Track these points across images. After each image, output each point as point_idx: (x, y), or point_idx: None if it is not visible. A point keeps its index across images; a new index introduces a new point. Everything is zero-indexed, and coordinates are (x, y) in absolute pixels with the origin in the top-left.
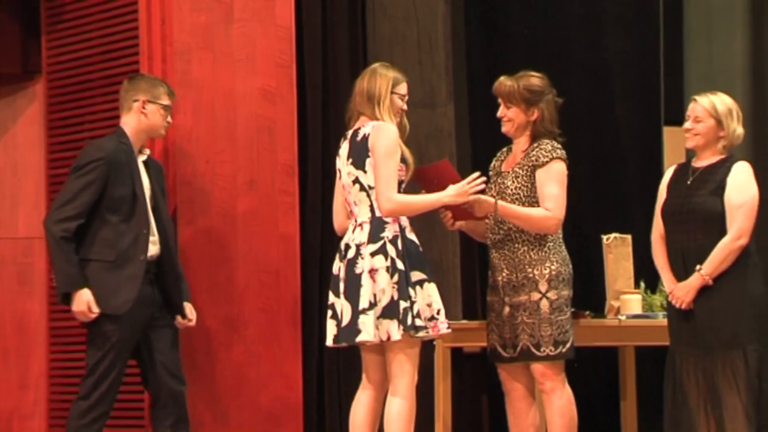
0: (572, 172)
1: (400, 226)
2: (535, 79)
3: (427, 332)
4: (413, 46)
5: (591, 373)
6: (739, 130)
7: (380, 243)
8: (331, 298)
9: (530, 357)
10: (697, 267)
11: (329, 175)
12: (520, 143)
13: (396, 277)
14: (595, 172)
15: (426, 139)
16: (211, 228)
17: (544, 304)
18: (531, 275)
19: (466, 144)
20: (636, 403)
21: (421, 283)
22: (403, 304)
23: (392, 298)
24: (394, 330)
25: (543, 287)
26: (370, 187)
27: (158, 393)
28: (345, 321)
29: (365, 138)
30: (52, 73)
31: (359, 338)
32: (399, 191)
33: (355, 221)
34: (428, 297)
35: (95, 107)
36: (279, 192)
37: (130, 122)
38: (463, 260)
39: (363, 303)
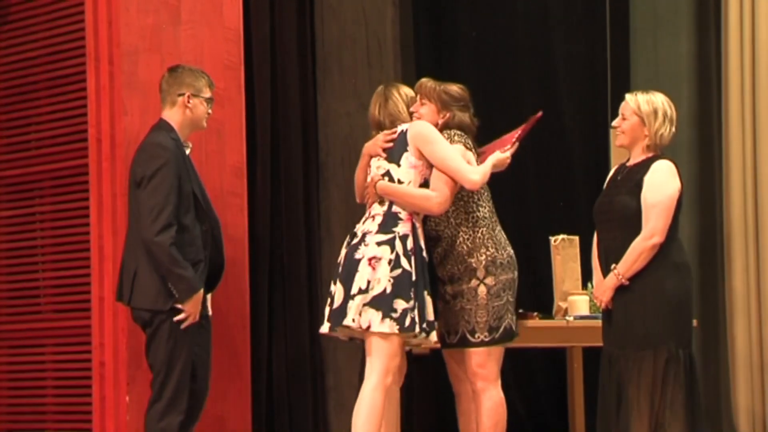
0: (519, 174)
1: (413, 225)
2: (456, 87)
3: (427, 338)
4: (362, 49)
5: (539, 373)
6: (663, 130)
7: (390, 236)
8: (332, 286)
9: (465, 343)
10: (612, 266)
11: (278, 176)
12: None
13: (396, 272)
14: (541, 173)
15: None
16: None
17: (482, 290)
18: (469, 264)
19: None
20: (584, 403)
21: (425, 287)
22: (402, 304)
23: (385, 290)
24: (376, 321)
25: (480, 274)
26: (400, 182)
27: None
28: (336, 304)
29: (403, 134)
30: None
31: (345, 322)
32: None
33: (369, 213)
34: (429, 305)
35: (41, 108)
36: (228, 194)
37: (174, 117)
38: None
39: (354, 289)
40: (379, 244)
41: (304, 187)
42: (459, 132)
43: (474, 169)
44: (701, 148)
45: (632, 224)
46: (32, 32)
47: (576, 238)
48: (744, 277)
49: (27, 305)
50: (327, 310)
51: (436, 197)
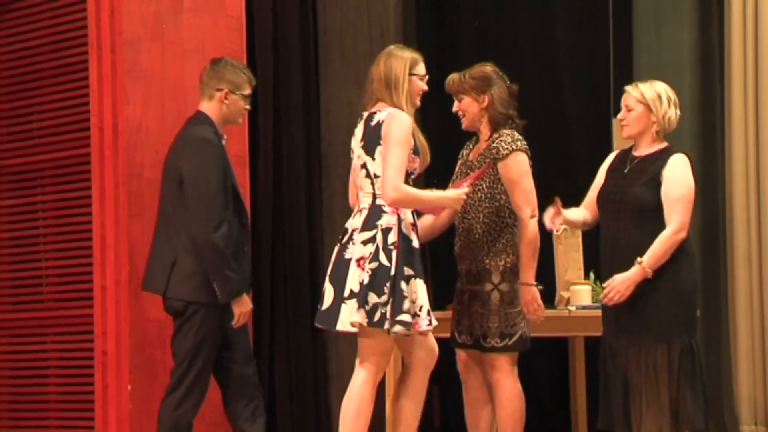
0: None
1: (398, 217)
2: (480, 67)
3: (408, 329)
4: (364, 37)
5: (541, 363)
6: (671, 113)
7: (373, 231)
8: (325, 282)
9: (479, 347)
10: (638, 259)
11: (280, 165)
12: (483, 133)
13: (373, 265)
14: (544, 163)
15: None
16: None
17: (495, 296)
18: (487, 266)
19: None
20: (586, 393)
21: (409, 278)
22: (374, 298)
23: (362, 282)
24: (353, 311)
25: (496, 279)
26: (376, 176)
27: (231, 381)
28: (326, 305)
29: (379, 124)
30: (1, 63)
31: (338, 327)
32: (408, 182)
33: (358, 206)
34: (413, 293)
35: (43, 98)
36: None
37: (211, 110)
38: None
39: (346, 291)
40: (364, 242)
41: (306, 176)
42: (518, 137)
43: (401, 187)
44: (704, 137)
45: (647, 217)
46: (34, 21)
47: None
48: (746, 267)
49: (29, 294)
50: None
51: (531, 217)
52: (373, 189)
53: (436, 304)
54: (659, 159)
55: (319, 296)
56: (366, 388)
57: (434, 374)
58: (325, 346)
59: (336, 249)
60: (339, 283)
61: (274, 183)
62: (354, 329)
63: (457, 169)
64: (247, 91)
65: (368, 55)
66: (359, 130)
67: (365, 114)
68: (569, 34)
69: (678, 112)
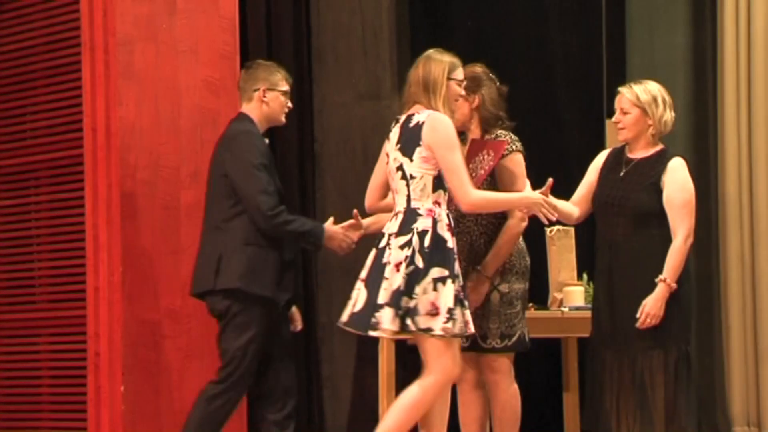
0: None
1: (433, 220)
2: (470, 68)
3: (441, 333)
4: (358, 38)
5: (534, 364)
6: (667, 116)
7: (409, 235)
8: (357, 283)
9: (477, 348)
10: (661, 277)
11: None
12: (473, 133)
13: (409, 270)
14: (537, 164)
15: (371, 132)
16: (154, 220)
17: (495, 297)
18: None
19: None
20: (578, 394)
21: (443, 280)
22: (406, 301)
23: (399, 287)
24: (387, 319)
25: (495, 280)
26: (412, 177)
27: (265, 385)
28: (358, 307)
29: (418, 126)
30: None
31: (374, 333)
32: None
33: (394, 210)
34: (445, 295)
35: (36, 98)
36: None
37: (252, 111)
38: None
39: (382, 297)
40: (401, 247)
41: (299, 177)
42: (515, 138)
43: (473, 193)
44: (696, 138)
45: (649, 223)
46: (28, 22)
47: (571, 229)
48: (739, 267)
49: (22, 295)
50: (349, 305)
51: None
52: (408, 191)
53: None
54: (658, 163)
55: (312, 297)
56: (425, 390)
57: None
58: (317, 348)
59: (373, 253)
60: (374, 287)
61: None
62: (385, 335)
63: None
64: (285, 87)
65: (361, 56)
66: (395, 134)
67: (402, 117)
68: (562, 36)
69: (673, 114)
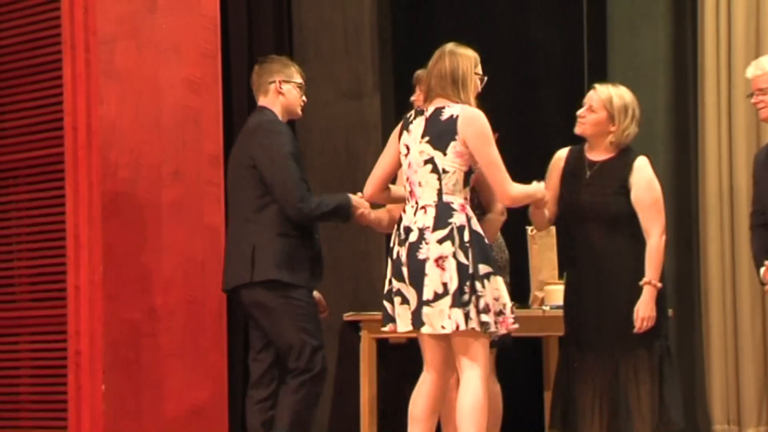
0: None
1: (467, 215)
2: None
3: (496, 328)
4: (340, 35)
5: (515, 363)
6: (631, 129)
7: (448, 229)
8: (395, 283)
9: None
10: (644, 280)
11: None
12: None
13: (453, 265)
14: (517, 163)
15: (353, 130)
16: (135, 218)
17: None
18: None
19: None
20: None
21: (488, 276)
22: (464, 297)
23: (446, 284)
24: (461, 319)
25: None
26: (444, 171)
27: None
28: (413, 307)
29: (453, 119)
30: None
31: (423, 330)
32: (468, 181)
33: (416, 203)
34: (495, 291)
35: (17, 96)
36: (204, 182)
37: (270, 103)
38: (387, 249)
39: (427, 293)
40: (440, 241)
41: None
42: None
43: (514, 186)
44: (677, 138)
45: (623, 226)
46: (7, 20)
47: (552, 228)
48: (719, 267)
49: (2, 294)
50: (404, 310)
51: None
52: (440, 185)
53: None
54: (622, 164)
55: None
56: (483, 385)
57: (409, 374)
58: None
59: (403, 250)
60: (418, 286)
61: None
62: (444, 331)
63: None
64: (299, 80)
65: (344, 54)
66: (417, 126)
67: (427, 109)
68: (543, 35)
69: (636, 130)
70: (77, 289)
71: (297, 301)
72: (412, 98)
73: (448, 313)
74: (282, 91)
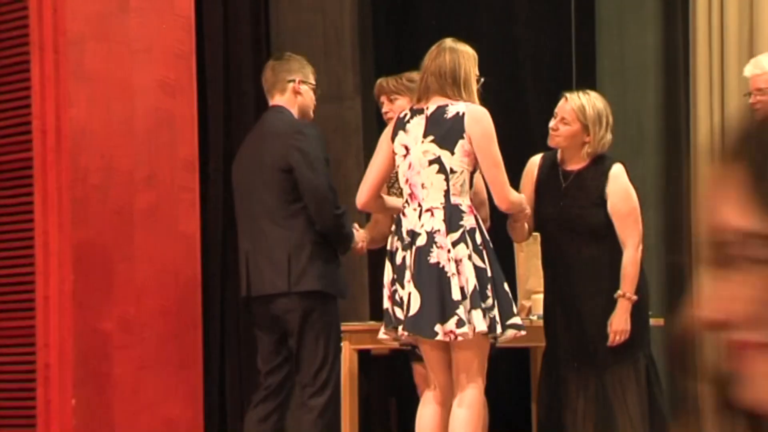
0: None
1: (475, 218)
2: (414, 74)
3: (520, 331)
4: (319, 38)
5: (501, 374)
6: (606, 138)
7: (460, 231)
8: (397, 289)
9: None
10: (619, 292)
11: (231, 170)
12: None
13: (470, 269)
14: (505, 168)
15: (333, 133)
16: (107, 226)
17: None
18: None
19: (374, 138)
20: None
21: (504, 281)
22: (488, 301)
23: (475, 288)
24: (480, 321)
25: None
26: (452, 171)
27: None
28: (413, 310)
29: (459, 117)
30: None
31: (439, 337)
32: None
33: (419, 206)
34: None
35: None
36: (179, 188)
37: (289, 104)
38: (371, 257)
39: (454, 295)
40: (454, 244)
41: None
42: None
43: (515, 193)
44: (668, 143)
45: (601, 237)
46: None
47: (539, 235)
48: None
49: None
50: (399, 312)
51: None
52: (447, 186)
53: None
54: (598, 173)
55: None
56: (481, 401)
57: (391, 386)
58: None
59: (408, 254)
60: (427, 288)
61: (225, 188)
62: (462, 338)
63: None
64: (314, 82)
65: (323, 57)
66: (417, 125)
67: (429, 107)
68: (530, 37)
69: (611, 136)
70: (46, 300)
71: (334, 315)
72: (385, 110)
73: (468, 317)
74: (300, 92)
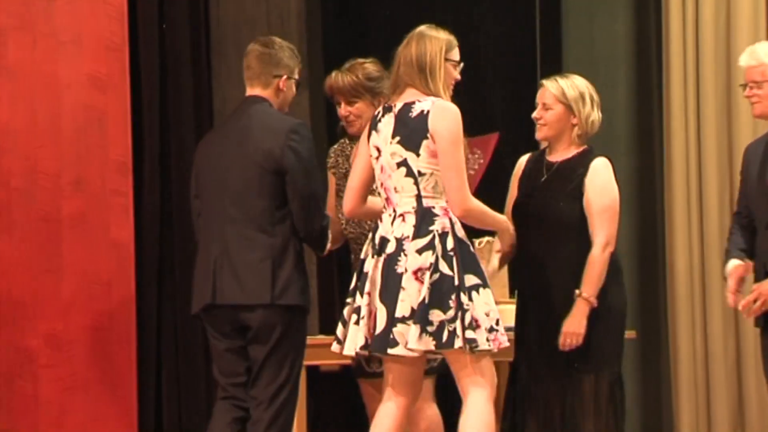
0: None
1: (450, 220)
2: (370, 66)
3: (489, 346)
4: (263, 28)
5: (453, 393)
6: (595, 115)
7: (429, 237)
8: (358, 299)
9: None
10: (577, 292)
11: (168, 173)
12: None
13: (434, 278)
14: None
15: None
16: (31, 233)
17: None
18: None
19: (323, 134)
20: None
21: (476, 288)
22: (438, 315)
23: (423, 300)
24: (413, 338)
25: None
26: (420, 173)
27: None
28: (379, 328)
29: (423, 115)
30: None
31: (394, 351)
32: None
33: (394, 211)
34: (485, 305)
35: None
36: (110, 192)
37: (269, 98)
38: (319, 269)
39: (403, 310)
40: (419, 251)
41: None
42: None
43: (471, 198)
44: (640, 139)
45: (573, 233)
46: None
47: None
48: (687, 282)
49: None
50: (354, 330)
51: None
52: (418, 189)
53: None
54: (580, 165)
55: None
56: (490, 407)
57: (341, 404)
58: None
59: (376, 262)
60: (391, 300)
61: (161, 192)
62: (413, 354)
63: (336, 180)
64: (298, 76)
65: None
66: (386, 125)
67: (396, 105)
68: (493, 25)
69: (600, 115)
70: None
71: (305, 332)
72: (341, 113)
73: (417, 333)
74: (283, 89)
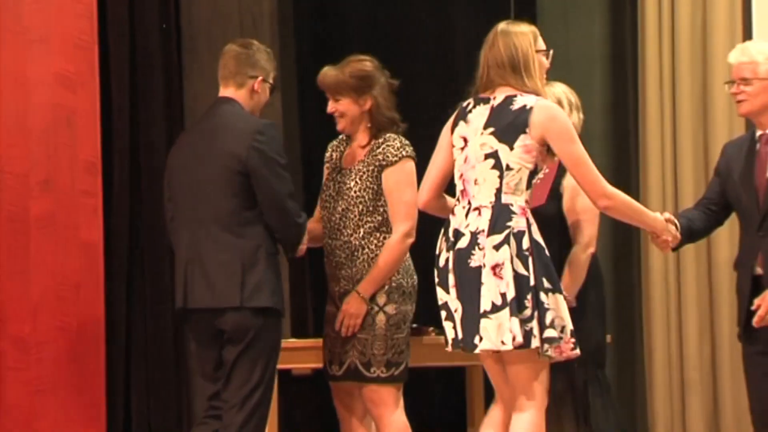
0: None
1: (527, 221)
2: (362, 63)
3: (556, 351)
4: (235, 27)
5: (436, 396)
6: (574, 119)
7: (505, 233)
8: (441, 295)
9: (358, 377)
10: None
11: (138, 173)
12: (359, 138)
13: (510, 275)
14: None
15: None
16: None
17: (380, 319)
18: None
19: (295, 136)
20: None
21: (552, 291)
22: (526, 311)
23: (504, 294)
24: (520, 334)
25: (381, 299)
26: (508, 167)
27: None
28: (464, 325)
29: (525, 110)
30: None
31: (482, 347)
32: (532, 182)
33: (469, 203)
34: (558, 309)
35: None
36: (79, 193)
37: (243, 100)
38: (291, 273)
39: (485, 304)
40: (496, 247)
41: None
42: (406, 142)
43: (615, 192)
44: (615, 141)
45: (553, 233)
46: None
47: None
48: (663, 286)
49: None
50: (448, 326)
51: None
52: (500, 183)
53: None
54: (559, 166)
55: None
56: (539, 421)
57: (313, 408)
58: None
59: (449, 255)
60: (470, 296)
61: (131, 193)
62: (505, 347)
63: (326, 175)
64: (273, 81)
65: None
66: (479, 115)
67: (496, 97)
68: (467, 26)
69: (581, 116)
70: None
71: (279, 336)
72: (330, 110)
73: (509, 326)
74: (257, 91)
